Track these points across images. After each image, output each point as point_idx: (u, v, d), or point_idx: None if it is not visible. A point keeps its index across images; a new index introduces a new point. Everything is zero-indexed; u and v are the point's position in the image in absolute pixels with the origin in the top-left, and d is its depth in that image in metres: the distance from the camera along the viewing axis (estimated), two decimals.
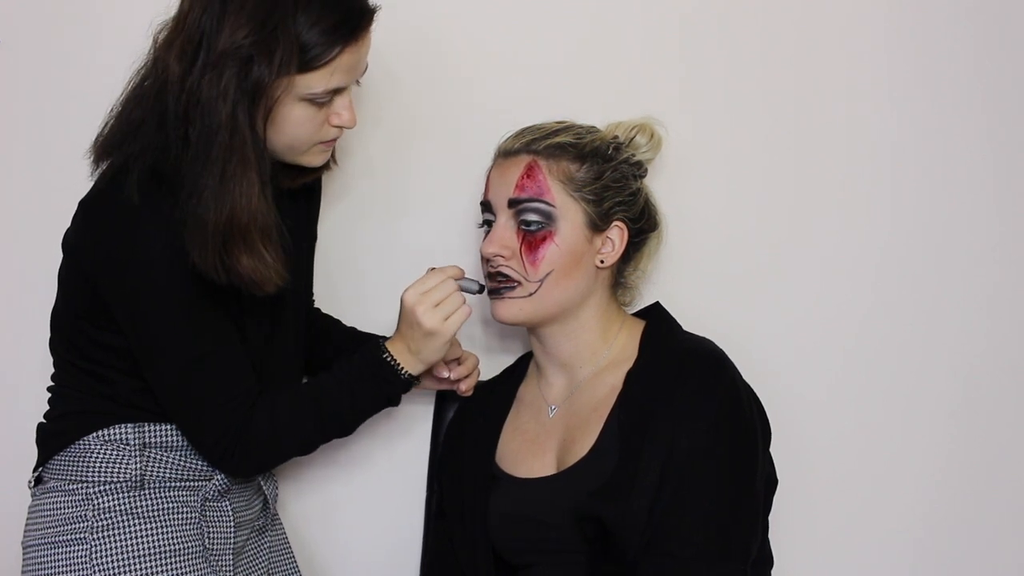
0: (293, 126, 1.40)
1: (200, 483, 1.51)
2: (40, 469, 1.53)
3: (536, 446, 1.57)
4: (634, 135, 1.57)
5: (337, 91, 1.41)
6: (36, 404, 1.57)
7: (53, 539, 1.47)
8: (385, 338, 1.52)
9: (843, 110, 1.76)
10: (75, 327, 1.48)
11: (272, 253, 1.39)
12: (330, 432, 1.52)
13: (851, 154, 1.76)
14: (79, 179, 1.50)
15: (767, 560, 1.55)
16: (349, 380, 1.49)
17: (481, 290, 1.53)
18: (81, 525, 1.45)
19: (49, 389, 1.57)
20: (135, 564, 1.44)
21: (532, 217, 1.48)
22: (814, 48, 1.75)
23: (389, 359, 1.49)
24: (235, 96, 1.33)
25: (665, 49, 1.78)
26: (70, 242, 1.48)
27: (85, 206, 1.45)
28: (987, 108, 1.75)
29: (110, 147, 1.44)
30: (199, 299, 1.40)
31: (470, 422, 1.66)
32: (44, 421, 1.56)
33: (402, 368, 1.49)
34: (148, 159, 1.39)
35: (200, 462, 1.51)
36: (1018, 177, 1.76)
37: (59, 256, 1.50)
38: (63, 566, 1.45)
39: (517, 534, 1.55)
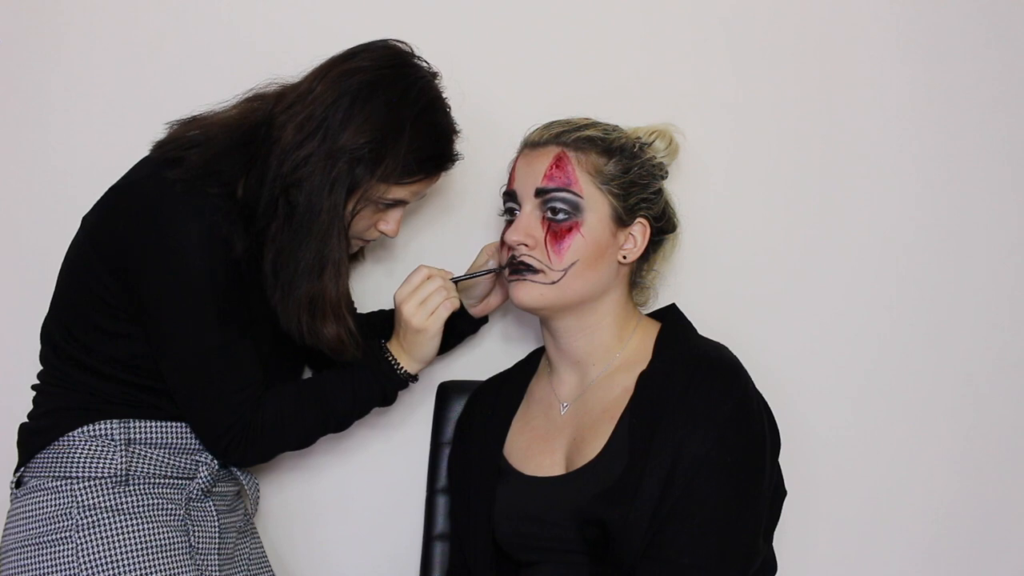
0: (355, 220, 1.51)
1: (183, 481, 1.52)
2: (22, 470, 1.52)
3: (545, 443, 1.56)
4: (653, 139, 1.59)
5: (398, 203, 1.53)
6: (20, 407, 1.56)
7: (37, 540, 1.45)
8: (386, 339, 1.59)
9: (860, 116, 1.78)
10: (78, 312, 1.49)
11: (355, 322, 1.51)
12: (329, 426, 1.57)
13: (868, 160, 1.78)
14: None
15: (770, 567, 1.54)
16: (351, 377, 1.55)
17: (489, 272, 1.61)
18: (66, 523, 1.44)
19: (34, 387, 1.55)
20: (122, 560, 1.44)
21: (559, 206, 1.49)
22: (831, 54, 1.78)
23: (388, 357, 1.56)
24: (340, 188, 1.45)
25: (680, 55, 1.79)
26: (95, 224, 1.50)
27: (121, 191, 1.50)
28: (1006, 112, 1.79)
29: (184, 149, 1.49)
30: (228, 290, 1.45)
31: (480, 414, 1.65)
32: (27, 421, 1.55)
33: (399, 366, 1.56)
34: (219, 173, 1.47)
35: (184, 459, 1.52)
36: None
37: (50, 261, 1.54)
38: (49, 566, 1.43)
39: (521, 531, 1.53)
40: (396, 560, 1.78)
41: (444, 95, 1.55)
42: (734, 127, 1.78)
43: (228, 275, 1.45)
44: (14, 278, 1.80)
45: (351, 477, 1.81)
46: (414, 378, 1.58)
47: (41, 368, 1.55)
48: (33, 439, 1.51)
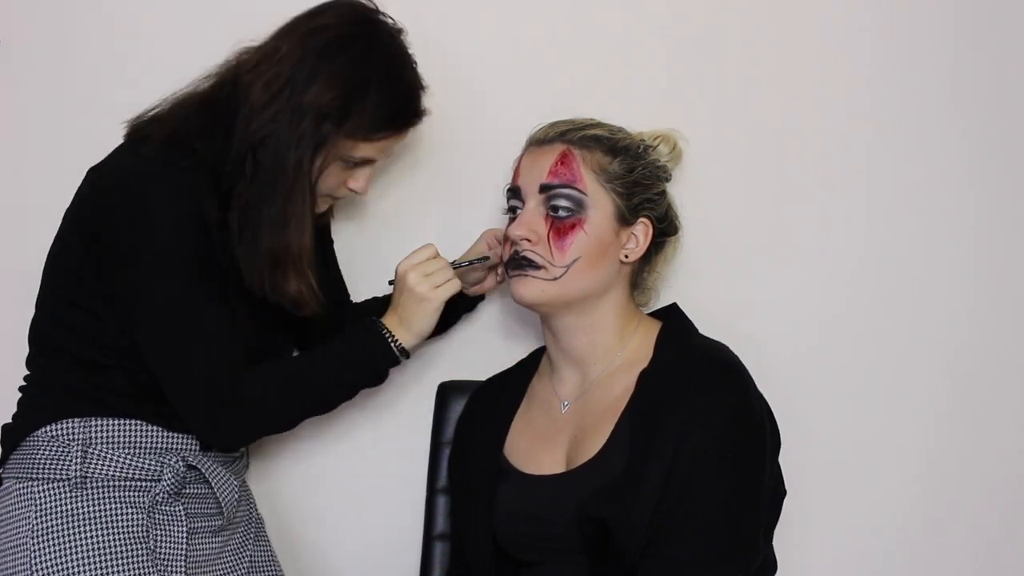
0: (323, 178, 1.51)
1: (148, 484, 1.49)
2: (1, 470, 1.51)
3: (546, 442, 1.56)
4: (657, 144, 1.60)
5: (367, 161, 1.54)
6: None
7: (3, 543, 1.44)
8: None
9: (861, 117, 1.79)
10: (60, 294, 1.49)
11: (316, 278, 1.50)
12: (318, 401, 1.55)
13: (868, 161, 1.79)
14: (71, 178, 1.53)
15: (770, 566, 1.54)
16: (340, 350, 1.53)
17: (487, 259, 1.62)
18: (24, 528, 1.43)
19: (19, 389, 1.55)
20: (76, 570, 1.41)
21: (563, 203, 1.49)
22: (833, 56, 1.79)
23: (382, 330, 1.54)
24: (306, 144, 1.46)
25: (679, 59, 1.80)
26: (71, 206, 1.52)
27: (94, 169, 1.52)
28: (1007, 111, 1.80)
29: (148, 127, 1.51)
30: (198, 255, 1.46)
31: (480, 414, 1.65)
32: (9, 420, 1.54)
33: (395, 338, 1.54)
34: (188, 142, 1.48)
35: (148, 461, 1.49)
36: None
37: (38, 264, 1.54)
38: (9, 573, 1.42)
39: (521, 530, 1.53)
40: (396, 560, 1.77)
41: (410, 51, 1.54)
42: (735, 130, 1.79)
43: (197, 240, 1.45)
44: (5, 281, 1.79)
45: (351, 477, 1.80)
46: (407, 354, 1.55)
47: (27, 368, 1.55)
48: (8, 439, 1.51)
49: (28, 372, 1.54)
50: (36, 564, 1.41)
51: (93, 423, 1.47)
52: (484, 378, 1.71)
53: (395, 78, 1.51)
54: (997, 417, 1.80)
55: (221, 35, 1.76)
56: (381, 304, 1.69)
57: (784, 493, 1.53)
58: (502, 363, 1.73)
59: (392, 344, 1.53)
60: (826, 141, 1.79)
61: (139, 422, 1.49)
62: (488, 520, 1.55)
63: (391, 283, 1.58)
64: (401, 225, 1.80)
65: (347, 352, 1.53)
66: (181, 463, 1.50)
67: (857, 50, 1.79)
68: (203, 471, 1.52)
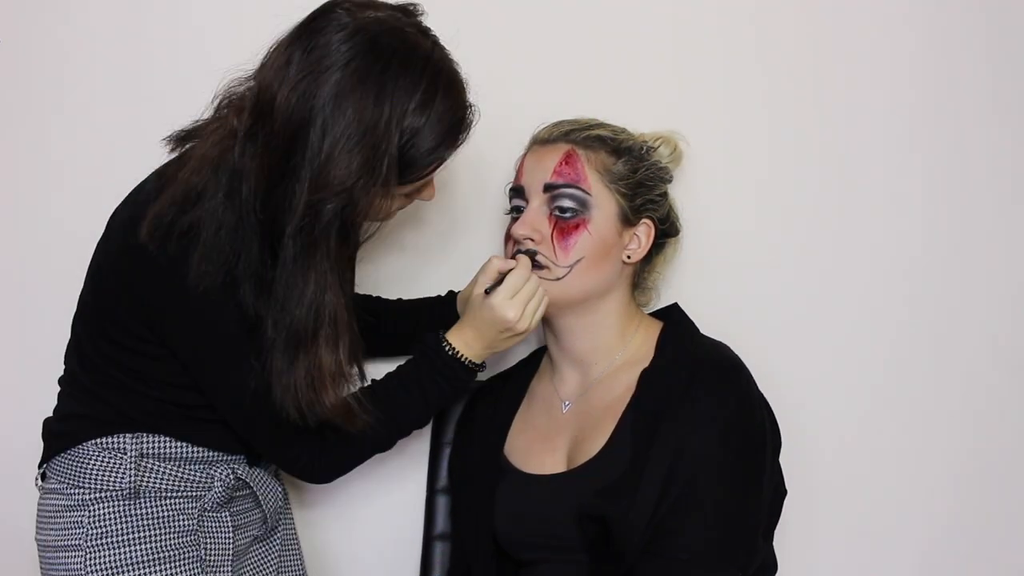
0: (382, 212, 1.40)
1: (199, 492, 1.48)
2: (45, 466, 1.50)
3: (547, 442, 1.56)
4: (659, 145, 1.60)
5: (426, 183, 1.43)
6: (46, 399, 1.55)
7: (55, 543, 1.44)
8: (445, 330, 1.51)
9: (860, 119, 1.80)
10: (104, 331, 1.43)
11: (344, 348, 1.36)
12: (406, 430, 1.53)
13: (868, 161, 1.80)
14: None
15: (771, 566, 1.55)
16: (419, 383, 1.49)
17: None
18: (77, 532, 1.42)
19: (60, 382, 1.53)
20: (130, 572, 1.41)
21: (567, 204, 1.49)
22: (832, 57, 1.80)
23: (454, 354, 1.48)
24: (336, 222, 1.30)
25: (680, 62, 1.81)
26: (111, 252, 1.42)
27: (134, 248, 1.35)
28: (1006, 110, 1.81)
29: (175, 241, 1.35)
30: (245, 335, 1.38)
31: (481, 413, 1.66)
32: (51, 417, 1.53)
33: (466, 359, 1.49)
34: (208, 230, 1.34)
35: (198, 472, 1.48)
36: None
37: (62, 254, 1.55)
38: (62, 572, 1.42)
39: (521, 529, 1.53)
40: (396, 560, 1.77)
41: (436, 50, 1.35)
42: (735, 131, 1.80)
43: (239, 319, 1.38)
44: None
45: (350, 476, 1.74)
46: (482, 366, 1.51)
47: (65, 367, 1.51)
48: (53, 441, 1.49)
49: (67, 369, 1.50)
50: (91, 567, 1.40)
51: (144, 439, 1.45)
52: (484, 378, 1.71)
53: (432, 112, 1.31)
54: (998, 417, 1.81)
55: (221, 35, 1.78)
56: (428, 307, 1.68)
57: (784, 493, 1.54)
58: (503, 362, 1.73)
59: (467, 365, 1.49)
60: (826, 142, 1.80)
61: (187, 444, 1.47)
62: (488, 520, 1.55)
63: (487, 291, 1.48)
64: (400, 226, 1.79)
65: (427, 384, 1.48)
66: (231, 474, 1.50)
67: (857, 51, 1.80)
68: (248, 481, 1.53)
